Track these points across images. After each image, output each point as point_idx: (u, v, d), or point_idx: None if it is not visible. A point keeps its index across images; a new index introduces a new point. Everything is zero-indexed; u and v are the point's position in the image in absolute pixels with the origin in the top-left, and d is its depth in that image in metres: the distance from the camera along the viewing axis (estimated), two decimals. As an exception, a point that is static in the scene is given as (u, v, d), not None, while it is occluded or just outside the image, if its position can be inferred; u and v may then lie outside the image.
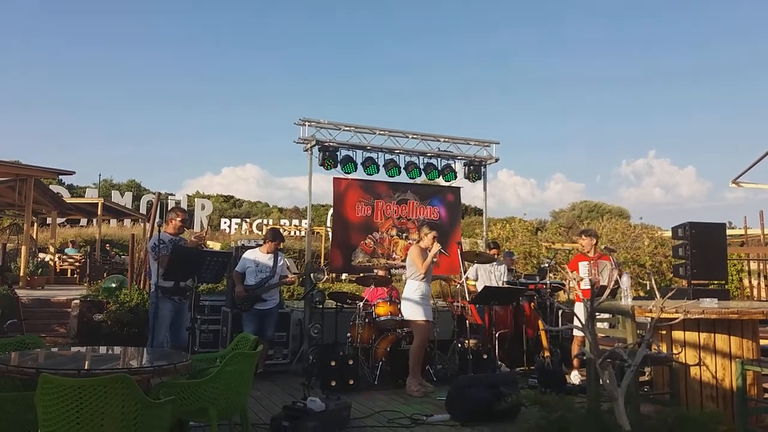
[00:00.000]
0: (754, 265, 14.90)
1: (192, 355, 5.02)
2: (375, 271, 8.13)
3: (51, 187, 20.19)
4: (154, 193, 10.36)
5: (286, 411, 4.88)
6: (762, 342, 5.03)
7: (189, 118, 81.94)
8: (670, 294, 4.04)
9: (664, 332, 4.91)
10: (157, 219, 6.31)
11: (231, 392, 3.84)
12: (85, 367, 3.63)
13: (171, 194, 38.86)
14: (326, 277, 11.14)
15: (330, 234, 12.20)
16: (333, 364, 6.45)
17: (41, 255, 17.14)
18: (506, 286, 8.05)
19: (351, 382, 6.47)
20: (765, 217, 14.74)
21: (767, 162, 8.24)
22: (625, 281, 5.09)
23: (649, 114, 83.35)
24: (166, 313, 5.85)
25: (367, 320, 7.28)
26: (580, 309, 5.99)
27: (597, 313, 4.93)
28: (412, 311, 6.54)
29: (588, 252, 7.39)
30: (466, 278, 8.29)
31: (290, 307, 8.46)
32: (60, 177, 28.34)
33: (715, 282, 7.41)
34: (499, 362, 7.38)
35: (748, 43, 74.97)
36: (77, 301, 8.98)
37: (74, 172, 18.15)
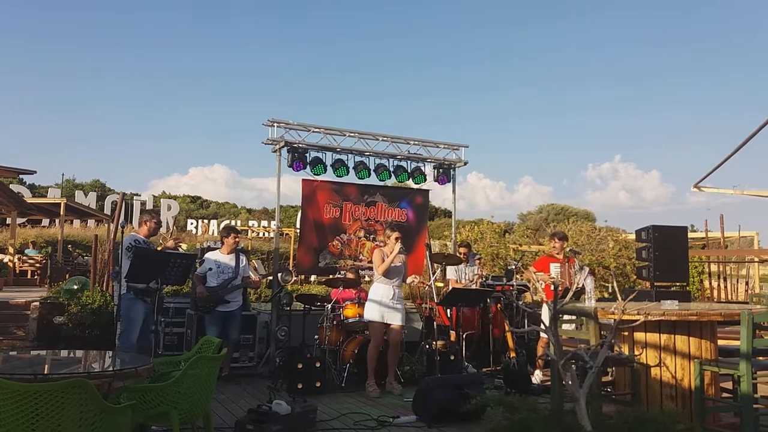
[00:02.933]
0: (714, 267, 15.32)
1: (155, 358, 4.94)
2: (344, 272, 8.10)
3: (11, 186, 19.65)
4: (119, 194, 10.15)
5: (251, 414, 4.83)
6: (720, 342, 5.16)
7: (156, 117, 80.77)
8: (631, 296, 4.11)
9: (626, 334, 5.00)
10: (121, 220, 6.21)
11: (194, 396, 3.78)
12: (44, 372, 3.53)
13: (136, 194, 38.25)
14: (295, 278, 11.05)
15: (298, 235, 12.12)
16: (300, 366, 6.40)
17: (0, 256, 16.65)
18: (475, 287, 8.10)
19: (318, 384, 6.43)
20: (725, 221, 15.18)
21: (727, 167, 8.48)
22: (589, 283, 5.18)
23: (616, 117, 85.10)
24: (140, 315, 5.80)
25: (335, 322, 7.25)
26: (547, 310, 6.06)
27: (563, 315, 5.00)
28: (368, 312, 6.60)
29: (558, 254, 7.49)
30: (446, 279, 8.35)
31: (257, 309, 8.37)
32: (21, 176, 27.60)
33: (677, 284, 7.59)
34: (467, 363, 7.43)
35: (715, 44, 77.07)
36: (37, 304, 8.73)
37: (35, 172, 17.78)
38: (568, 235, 17.96)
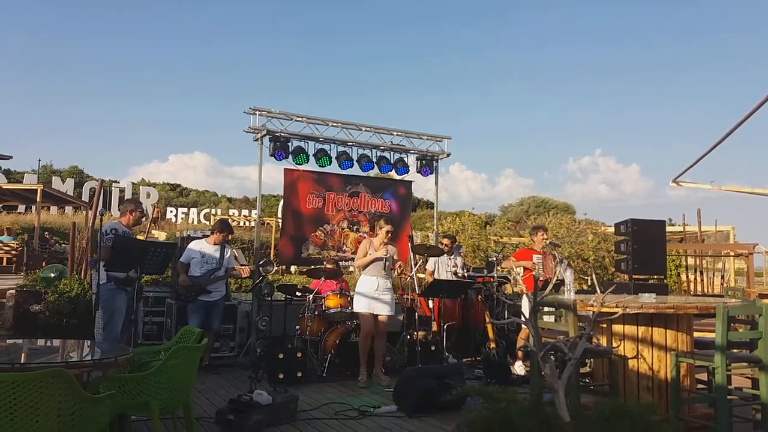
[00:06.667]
0: (691, 261, 15.57)
1: (135, 347, 4.90)
2: (324, 263, 8.09)
3: (-14, 171, 19.28)
4: (97, 180, 10.00)
5: (231, 404, 4.82)
6: (695, 335, 5.25)
7: (136, 104, 79.64)
8: (610, 289, 4.16)
9: (604, 326, 5.06)
10: (100, 207, 6.13)
11: (174, 386, 3.76)
12: (21, 361, 3.48)
13: (115, 181, 37.77)
14: (276, 268, 11.00)
15: (280, 225, 12.08)
16: (281, 356, 6.40)
17: (-25, 243, 16.37)
18: (456, 279, 8.15)
19: (299, 374, 6.44)
20: (702, 215, 15.41)
21: (706, 162, 8.60)
22: (569, 276, 5.23)
23: (597, 112, 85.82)
24: (123, 305, 5.74)
25: (316, 312, 7.25)
26: (527, 302, 6.12)
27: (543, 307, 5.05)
28: (356, 303, 6.62)
29: (538, 246, 7.60)
30: (426, 270, 8.37)
31: (237, 299, 8.34)
32: (-4, 161, 27.07)
33: (655, 277, 7.70)
34: (447, 353, 7.48)
35: (698, 41, 77.91)
36: (13, 291, 8.59)
37: (11, 157, 17.42)
38: (548, 228, 18.25)
